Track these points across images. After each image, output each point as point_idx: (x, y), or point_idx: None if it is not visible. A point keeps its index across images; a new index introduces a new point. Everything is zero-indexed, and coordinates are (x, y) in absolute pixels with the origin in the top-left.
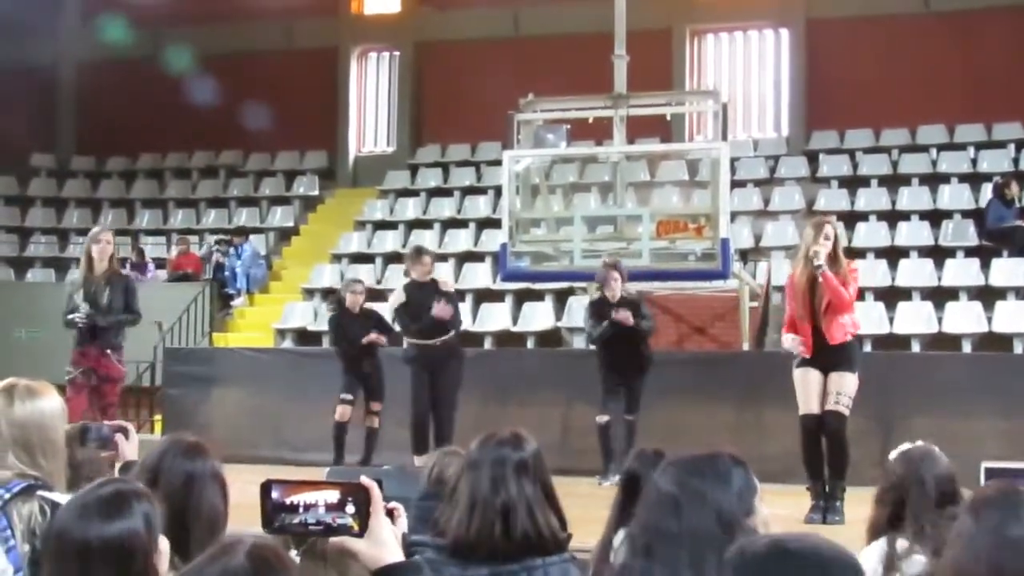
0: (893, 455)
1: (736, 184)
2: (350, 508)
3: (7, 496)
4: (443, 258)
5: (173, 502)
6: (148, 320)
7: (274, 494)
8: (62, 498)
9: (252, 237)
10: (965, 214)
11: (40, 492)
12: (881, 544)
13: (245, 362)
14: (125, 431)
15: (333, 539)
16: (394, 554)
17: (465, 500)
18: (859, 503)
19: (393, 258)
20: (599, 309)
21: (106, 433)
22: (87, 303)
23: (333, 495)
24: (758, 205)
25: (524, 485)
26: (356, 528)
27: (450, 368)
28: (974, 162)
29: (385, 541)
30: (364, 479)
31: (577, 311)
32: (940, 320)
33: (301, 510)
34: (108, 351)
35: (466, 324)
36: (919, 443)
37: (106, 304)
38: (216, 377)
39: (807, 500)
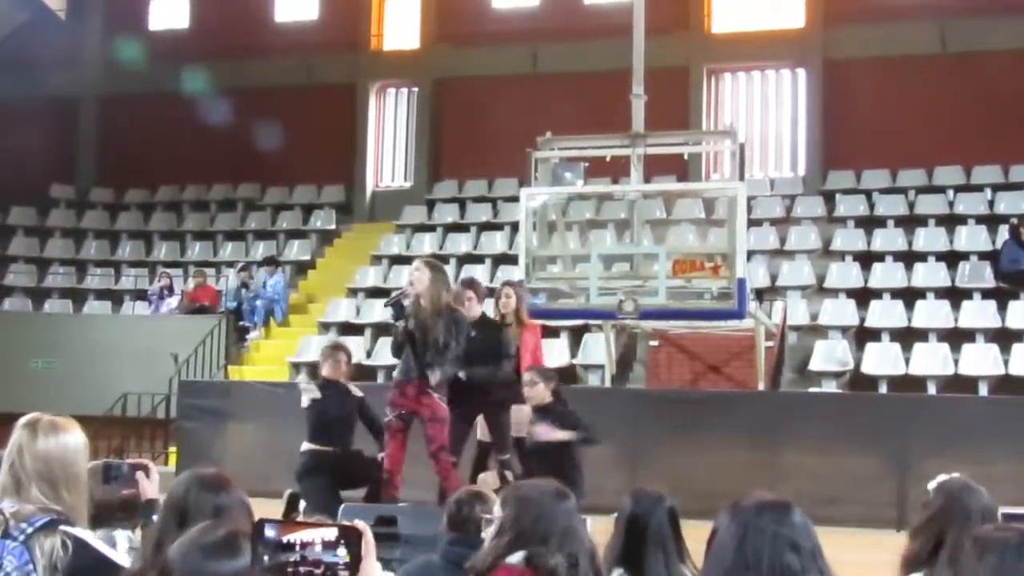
0: (932, 486)
1: (752, 223)
2: (342, 550)
3: (30, 530)
4: None
5: None
6: (164, 352)
7: (268, 533)
8: (84, 533)
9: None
10: (982, 256)
11: (62, 527)
12: None
13: (260, 396)
14: (146, 469)
15: None
16: None
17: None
18: (876, 545)
19: None
20: None
21: (126, 471)
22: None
23: (331, 533)
24: (774, 244)
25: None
26: (347, 570)
27: None
28: (991, 203)
29: None
30: (358, 522)
31: (593, 348)
32: (956, 362)
33: (297, 548)
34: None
35: None
36: (955, 475)
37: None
38: (231, 410)
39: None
